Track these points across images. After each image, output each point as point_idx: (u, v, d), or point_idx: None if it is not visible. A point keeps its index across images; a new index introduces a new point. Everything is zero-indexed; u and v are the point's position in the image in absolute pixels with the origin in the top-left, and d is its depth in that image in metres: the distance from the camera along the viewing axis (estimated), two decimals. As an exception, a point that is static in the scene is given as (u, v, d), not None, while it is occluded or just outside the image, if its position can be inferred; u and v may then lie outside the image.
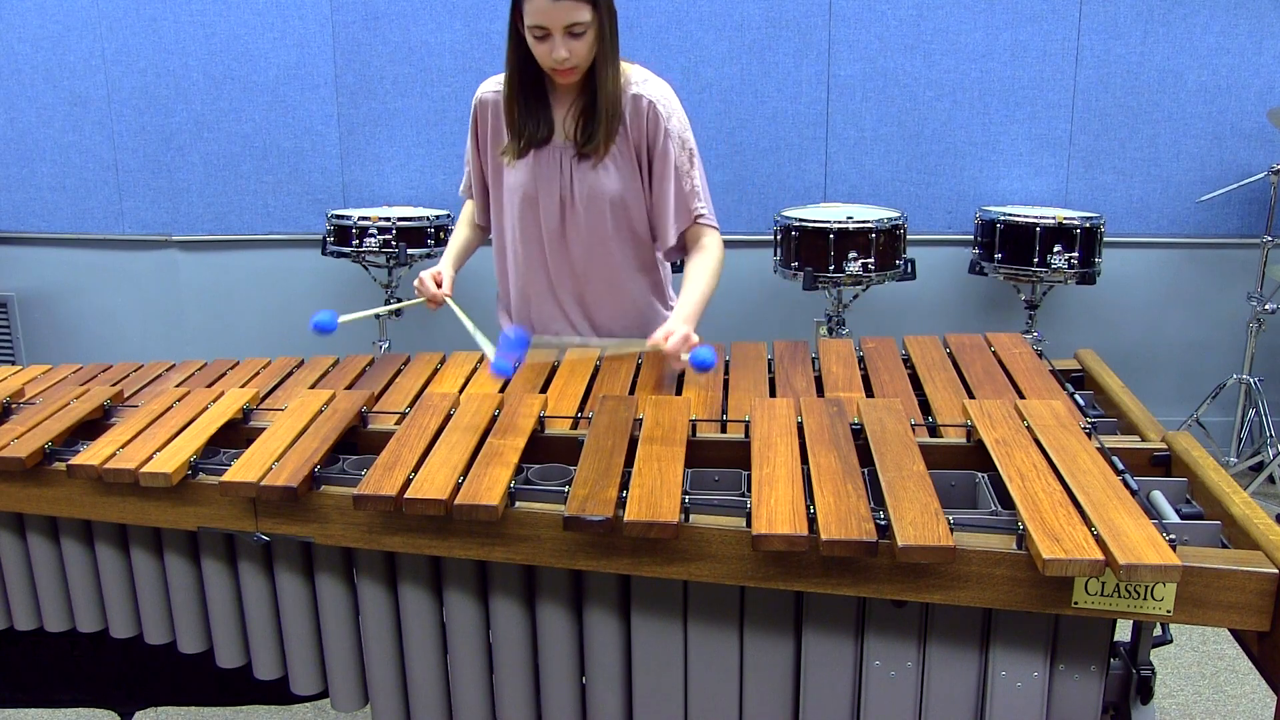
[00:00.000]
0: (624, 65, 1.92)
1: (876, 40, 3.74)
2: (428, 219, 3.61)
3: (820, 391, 1.73)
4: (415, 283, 2.01)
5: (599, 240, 1.99)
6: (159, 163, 3.96)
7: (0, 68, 3.91)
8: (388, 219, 3.54)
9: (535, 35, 1.80)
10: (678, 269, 2.08)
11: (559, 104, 1.95)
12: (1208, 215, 3.82)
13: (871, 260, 3.35)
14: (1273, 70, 3.69)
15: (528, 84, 1.91)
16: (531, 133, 1.93)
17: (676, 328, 1.74)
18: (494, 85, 1.99)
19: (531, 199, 1.97)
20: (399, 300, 3.74)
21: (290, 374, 1.96)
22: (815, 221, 3.36)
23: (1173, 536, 1.15)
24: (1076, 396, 1.66)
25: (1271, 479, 3.59)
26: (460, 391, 1.78)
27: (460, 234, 2.17)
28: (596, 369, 1.87)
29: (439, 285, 2.01)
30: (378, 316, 3.75)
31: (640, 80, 1.93)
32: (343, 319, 1.84)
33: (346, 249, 3.57)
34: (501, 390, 1.78)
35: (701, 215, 1.95)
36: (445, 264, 2.07)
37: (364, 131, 3.90)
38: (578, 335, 2.08)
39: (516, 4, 1.80)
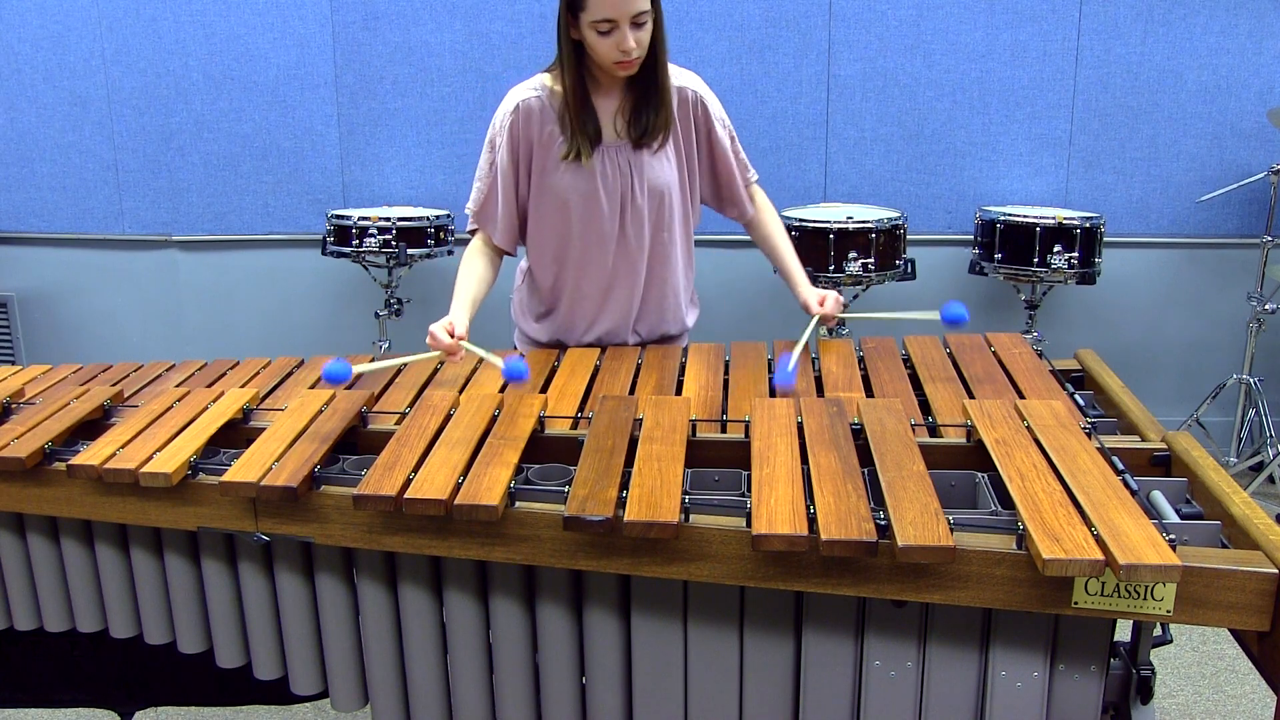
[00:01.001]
0: None
1: (876, 40, 3.74)
2: (428, 219, 3.61)
3: (820, 391, 1.74)
4: (427, 339, 1.83)
5: (659, 233, 2.03)
6: (159, 163, 3.96)
7: (0, 68, 3.91)
8: (388, 219, 3.54)
9: (600, 30, 1.80)
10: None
11: (603, 104, 1.95)
12: (1208, 215, 3.82)
13: (871, 260, 3.35)
14: (1273, 70, 3.69)
15: (582, 86, 1.92)
16: (593, 131, 1.92)
17: (817, 292, 2.07)
18: (529, 90, 1.95)
19: (594, 199, 1.96)
20: (400, 302, 3.74)
21: (290, 374, 1.96)
22: (815, 221, 3.36)
23: (1173, 536, 1.15)
24: (1076, 396, 1.66)
25: (1271, 479, 3.59)
26: (460, 391, 1.78)
27: (471, 282, 1.99)
28: (596, 369, 1.87)
29: (452, 336, 1.83)
30: (399, 371, 3.74)
31: (674, 73, 1.98)
32: (357, 369, 1.70)
33: (346, 249, 3.57)
34: (502, 390, 1.78)
35: (754, 180, 2.17)
36: (457, 315, 1.90)
37: (364, 131, 3.90)
38: (623, 333, 2.12)
39: (574, 4, 1.81)
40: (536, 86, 1.95)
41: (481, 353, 1.79)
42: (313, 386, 1.87)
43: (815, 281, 3.34)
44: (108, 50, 3.87)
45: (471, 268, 2.01)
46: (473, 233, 2.08)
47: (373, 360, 1.81)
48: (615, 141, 1.95)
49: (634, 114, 1.94)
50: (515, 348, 2.20)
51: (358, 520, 1.44)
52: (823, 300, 2.04)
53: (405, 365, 1.91)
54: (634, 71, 1.88)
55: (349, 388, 1.82)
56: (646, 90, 1.92)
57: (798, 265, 2.15)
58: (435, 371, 1.90)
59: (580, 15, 1.81)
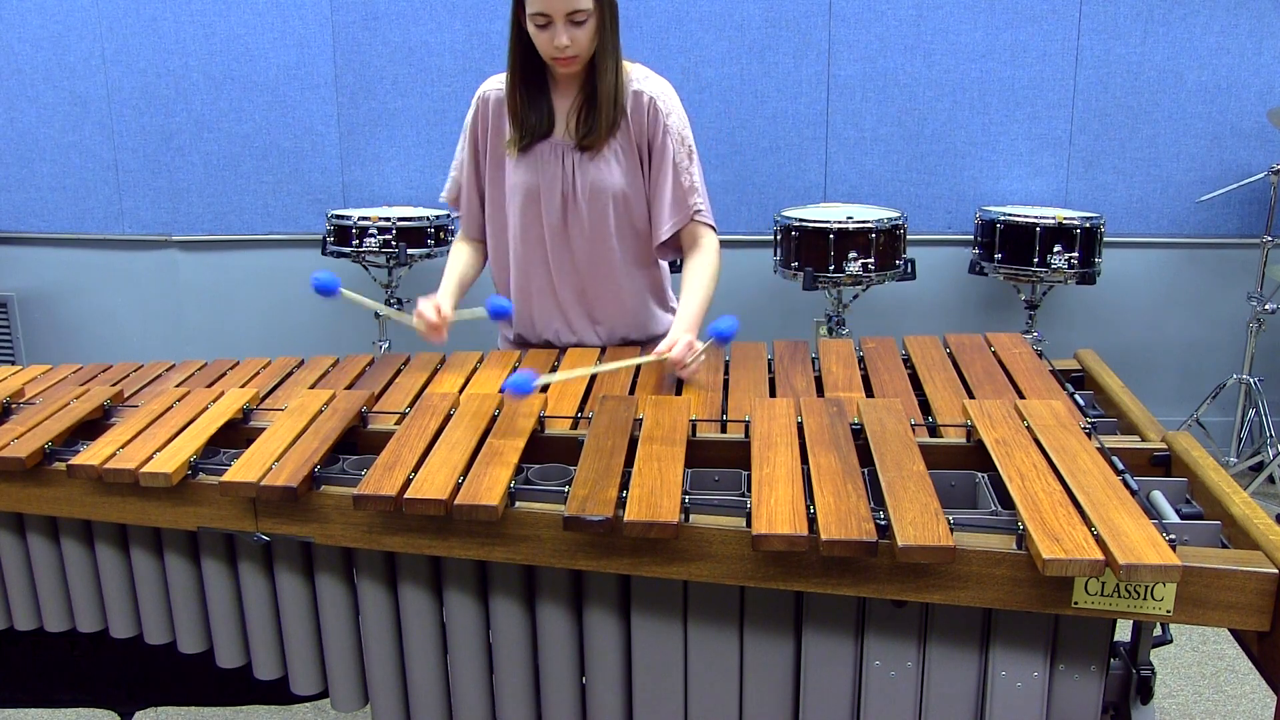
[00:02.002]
0: (625, 63, 1.94)
1: (876, 40, 3.74)
2: (428, 219, 3.61)
3: (820, 391, 1.73)
4: (414, 314, 1.91)
5: (601, 236, 1.99)
6: (159, 163, 3.96)
7: (0, 68, 3.91)
8: (388, 219, 3.54)
9: (537, 24, 1.82)
10: (676, 269, 2.09)
11: (560, 99, 1.96)
12: (1208, 215, 3.82)
13: (871, 260, 3.35)
14: (1273, 70, 3.70)
15: (530, 76, 1.93)
16: (534, 125, 1.93)
17: (679, 337, 1.76)
18: (496, 83, 2.00)
19: (534, 195, 1.97)
20: (400, 302, 3.74)
21: (290, 374, 1.96)
22: (815, 221, 3.36)
23: (1173, 536, 1.15)
24: (1076, 396, 1.66)
25: (1271, 479, 3.59)
26: (460, 391, 1.78)
27: (457, 263, 2.08)
28: (596, 369, 1.87)
29: (438, 314, 1.91)
30: (377, 315, 3.75)
31: (641, 77, 1.95)
32: (345, 293, 1.76)
33: (346, 249, 3.57)
34: (502, 391, 1.78)
35: (699, 212, 1.96)
36: (443, 295, 1.99)
37: (364, 131, 3.90)
38: (574, 336, 2.08)
39: None
40: (501, 80, 1.98)
41: (466, 315, 1.84)
42: (313, 386, 1.87)
43: (815, 282, 3.37)
44: (108, 50, 3.87)
45: (458, 252, 2.12)
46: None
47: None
48: (564, 140, 1.95)
49: (584, 113, 1.93)
50: (499, 348, 2.20)
51: (358, 520, 1.44)
52: (672, 346, 1.74)
53: (384, 312, 1.92)
54: (574, 69, 1.88)
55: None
56: (594, 92, 1.91)
57: (692, 306, 1.90)
58: (435, 372, 1.90)
59: (525, 6, 1.83)
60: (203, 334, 4.13)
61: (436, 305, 1.92)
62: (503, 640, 1.47)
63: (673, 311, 2.14)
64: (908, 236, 3.51)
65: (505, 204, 2.03)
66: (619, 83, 1.91)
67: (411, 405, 1.69)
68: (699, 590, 1.36)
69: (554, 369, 1.88)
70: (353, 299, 1.80)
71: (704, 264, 1.95)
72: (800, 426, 1.49)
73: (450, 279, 2.05)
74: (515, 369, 1.88)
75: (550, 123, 1.95)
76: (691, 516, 1.32)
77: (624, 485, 1.36)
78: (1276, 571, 1.15)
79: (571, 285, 2.04)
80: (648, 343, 2.11)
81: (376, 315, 3.76)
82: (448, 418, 1.60)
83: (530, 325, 2.10)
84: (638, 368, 1.81)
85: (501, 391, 1.61)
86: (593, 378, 1.82)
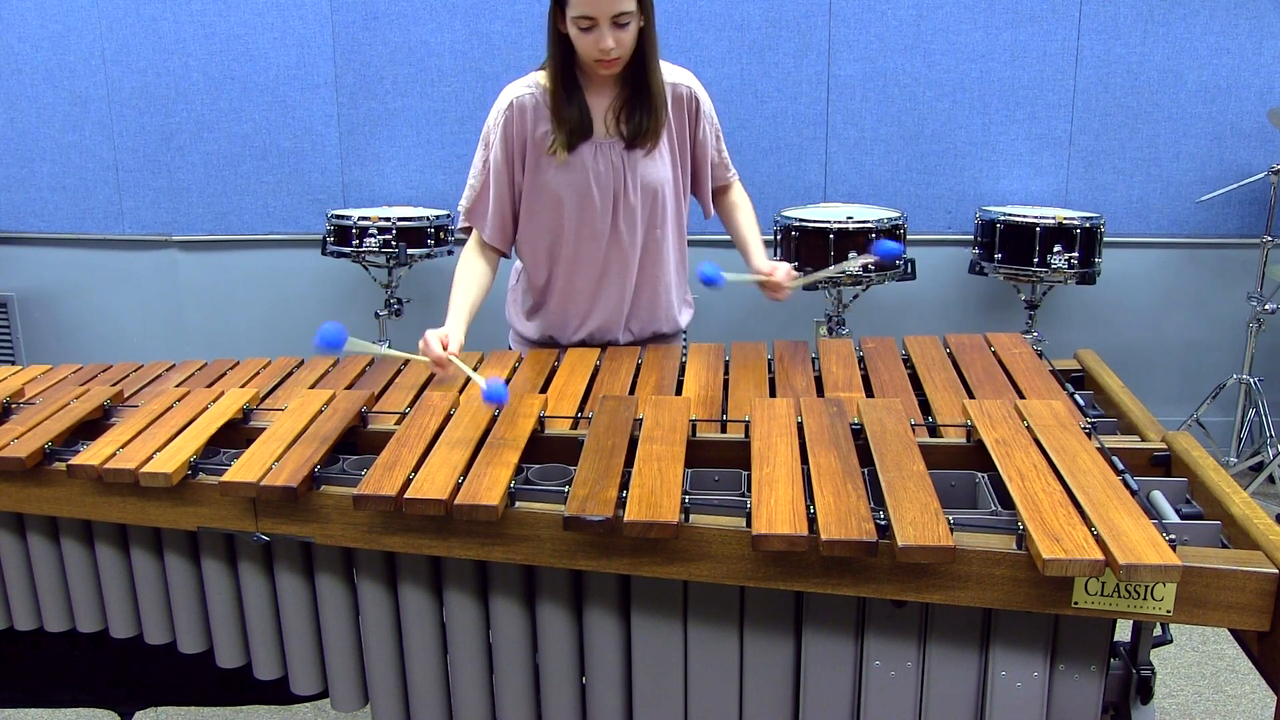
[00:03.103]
0: None
1: (876, 40, 3.74)
2: (428, 219, 3.61)
3: (820, 391, 1.73)
4: (420, 343, 1.84)
5: (651, 230, 2.03)
6: (159, 163, 3.96)
7: (0, 68, 3.91)
8: (388, 219, 3.54)
9: (581, 26, 1.81)
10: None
11: (595, 99, 1.95)
12: (1208, 215, 3.82)
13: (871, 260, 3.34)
14: (1273, 70, 3.69)
15: (569, 80, 1.93)
16: (578, 126, 1.93)
17: (776, 264, 1.99)
18: (523, 88, 1.96)
19: (585, 195, 1.96)
20: (400, 302, 3.74)
21: (290, 374, 1.96)
22: (815, 221, 3.36)
23: (1173, 536, 1.15)
24: (1076, 396, 1.66)
25: (1271, 479, 3.59)
26: (460, 392, 1.78)
27: (468, 287, 1.99)
28: (596, 369, 1.87)
29: (445, 348, 1.82)
30: (380, 308, 3.75)
31: (668, 71, 1.98)
32: (349, 347, 1.69)
33: (346, 249, 3.57)
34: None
35: (732, 173, 2.18)
36: (454, 325, 1.90)
37: (364, 131, 3.90)
38: (609, 335, 2.11)
39: None
40: (530, 84, 1.95)
41: (468, 370, 1.74)
42: (313, 386, 1.87)
43: (815, 283, 3.37)
44: (108, 50, 3.87)
45: (468, 271, 2.01)
46: (466, 232, 2.08)
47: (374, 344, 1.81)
48: (607, 138, 1.95)
49: (626, 114, 1.94)
50: (510, 348, 2.20)
51: (358, 520, 1.44)
52: (774, 270, 1.98)
53: (390, 356, 1.85)
54: (616, 71, 1.89)
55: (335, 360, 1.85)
56: (637, 91, 1.92)
57: (757, 241, 2.13)
58: (431, 377, 1.90)
59: (566, 9, 1.82)
60: (203, 334, 4.12)
61: (444, 340, 1.83)
62: (503, 640, 1.47)
63: (690, 305, 2.23)
64: (908, 236, 3.51)
65: (546, 208, 2.00)
66: (662, 80, 1.95)
67: (411, 405, 1.69)
68: (699, 590, 1.36)
69: (553, 370, 1.88)
70: (359, 348, 1.73)
71: (749, 211, 2.19)
72: (800, 426, 1.49)
73: (462, 304, 1.96)
74: (513, 372, 1.88)
75: (590, 122, 1.95)
76: (691, 516, 1.32)
77: (624, 485, 1.36)
78: (1276, 571, 1.15)
79: (619, 282, 2.05)
80: (673, 336, 2.18)
81: (382, 310, 3.76)
82: (448, 418, 1.60)
83: (565, 324, 2.10)
84: (638, 367, 1.81)
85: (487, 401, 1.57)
86: (592, 379, 1.82)
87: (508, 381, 1.81)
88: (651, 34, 1.89)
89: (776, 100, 3.80)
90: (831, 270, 1.97)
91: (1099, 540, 1.15)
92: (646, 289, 2.09)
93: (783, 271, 1.97)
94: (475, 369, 1.88)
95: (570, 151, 1.94)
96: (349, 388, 1.85)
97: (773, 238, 3.55)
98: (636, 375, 1.83)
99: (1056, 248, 3.39)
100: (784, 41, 3.75)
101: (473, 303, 1.98)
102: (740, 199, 2.20)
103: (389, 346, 1.82)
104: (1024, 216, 3.45)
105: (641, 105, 1.93)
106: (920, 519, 1.21)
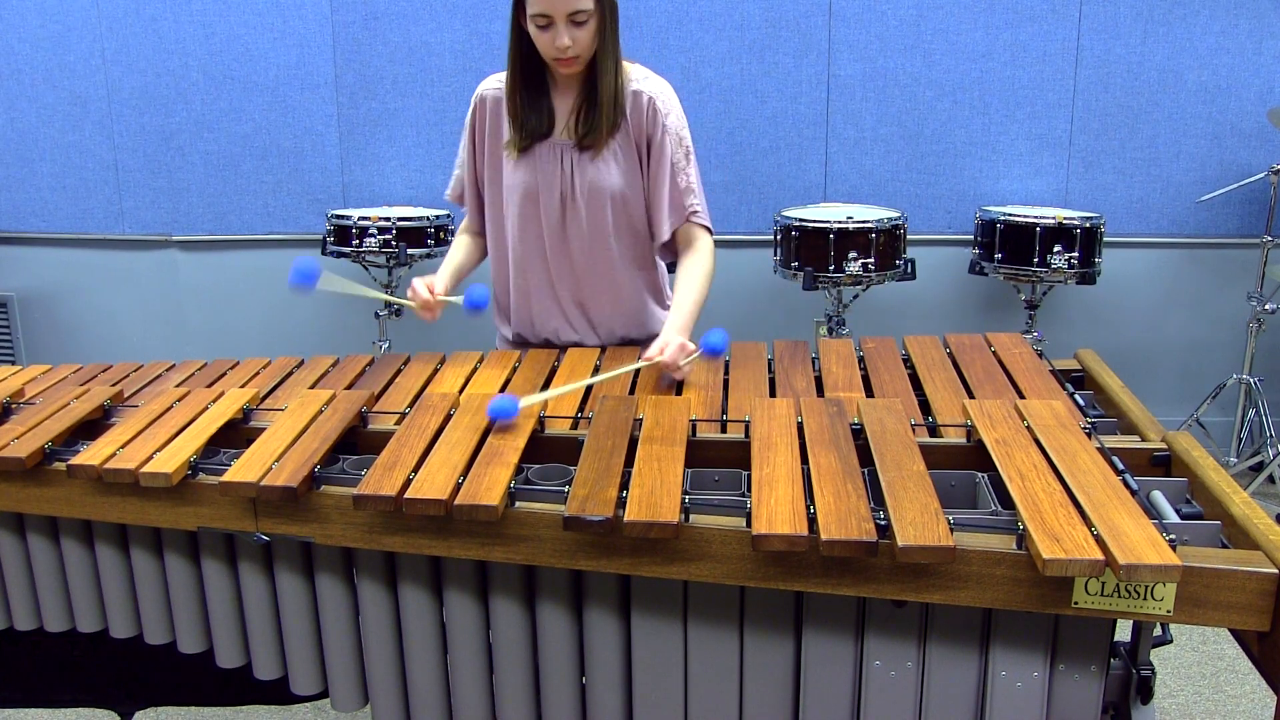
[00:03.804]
0: (625, 63, 1.95)
1: (876, 40, 3.74)
2: (428, 219, 3.61)
3: (820, 391, 1.73)
4: (409, 291, 1.95)
5: (599, 236, 2.00)
6: (159, 163, 3.96)
7: (0, 68, 3.91)
8: (388, 219, 3.54)
9: (538, 24, 1.82)
10: (672, 269, 2.09)
11: (560, 99, 1.96)
12: (1208, 215, 3.82)
13: (871, 260, 3.35)
14: (1273, 70, 3.70)
15: (530, 77, 1.93)
16: (534, 126, 1.94)
17: (670, 339, 1.76)
18: (494, 83, 2.00)
19: (533, 195, 1.98)
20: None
21: (290, 374, 1.96)
22: (815, 221, 3.36)
23: (1173, 536, 1.15)
24: (1076, 396, 1.66)
25: (1271, 479, 3.59)
26: (460, 391, 1.78)
27: (458, 252, 2.12)
28: (596, 369, 1.87)
29: (431, 293, 1.94)
30: (379, 307, 3.75)
31: (640, 77, 1.96)
32: (324, 284, 1.71)
33: (346, 249, 3.57)
34: (502, 390, 1.78)
35: (695, 212, 1.97)
36: (440, 275, 2.02)
37: (364, 131, 3.90)
38: (575, 334, 2.09)
39: None
40: (499, 80, 1.98)
41: (453, 300, 1.86)
42: (313, 386, 1.87)
43: (815, 282, 3.37)
44: (108, 50, 3.87)
45: (459, 242, 2.15)
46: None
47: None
48: (563, 140, 1.95)
49: (584, 113, 1.93)
50: (497, 347, 2.20)
51: (358, 520, 1.44)
52: (664, 349, 1.74)
53: (370, 296, 1.91)
54: (576, 70, 1.89)
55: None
56: (594, 92, 1.91)
57: (684, 308, 1.89)
58: (435, 372, 1.90)
59: (525, 7, 1.83)
60: (203, 334, 4.12)
61: (429, 284, 1.95)
62: (503, 640, 1.47)
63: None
64: (908, 236, 3.51)
65: (503, 203, 2.03)
66: (619, 83, 1.91)
67: (411, 405, 1.69)
68: (699, 590, 1.36)
69: (553, 370, 1.88)
70: (335, 286, 1.74)
71: (698, 265, 1.95)
72: (800, 426, 1.49)
73: (448, 265, 2.08)
74: (513, 372, 1.88)
75: (550, 123, 1.95)
76: (691, 516, 1.32)
77: (624, 485, 1.36)
78: (1276, 571, 1.15)
79: (569, 285, 2.04)
80: (647, 340, 2.09)
81: (382, 310, 3.76)
82: (448, 418, 1.60)
83: (529, 324, 2.10)
84: (637, 371, 1.81)
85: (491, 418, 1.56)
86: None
87: (507, 383, 1.81)
88: (609, 35, 1.87)
89: (776, 100, 3.80)
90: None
91: (1099, 540, 1.15)
92: (603, 294, 2.05)
93: (670, 352, 1.73)
94: (475, 368, 1.89)
95: (522, 152, 1.95)
96: (349, 388, 1.85)
97: (773, 238, 3.55)
98: (636, 376, 1.83)
99: (1056, 248, 3.39)
100: (784, 41, 3.75)
101: (458, 265, 2.09)
102: (696, 252, 1.96)
103: (389, 353, 1.82)
104: (1024, 216, 3.45)
105: (595, 105, 1.91)
106: (920, 519, 1.21)
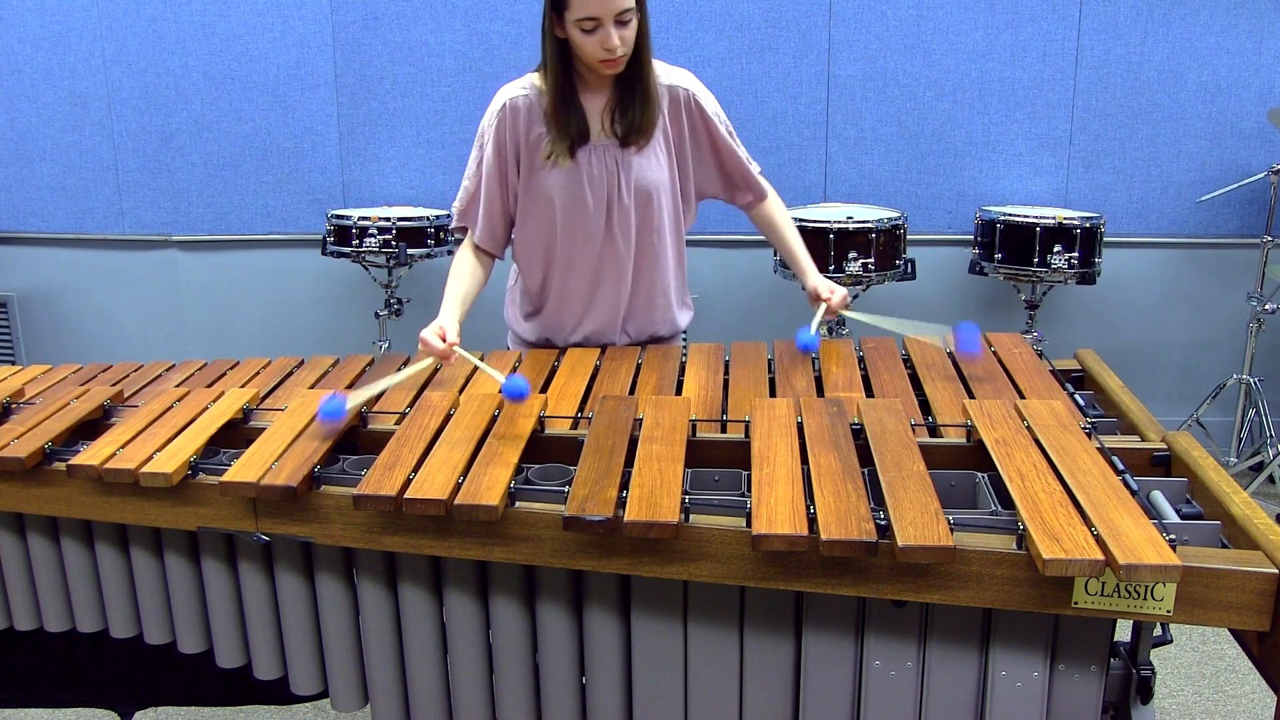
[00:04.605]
0: None
1: (876, 40, 3.74)
2: (428, 219, 3.61)
3: (820, 391, 1.73)
4: (420, 345, 1.83)
5: (647, 232, 2.02)
6: (159, 163, 3.96)
7: (0, 68, 3.91)
8: (388, 219, 3.54)
9: (584, 28, 1.81)
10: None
11: (590, 100, 1.95)
12: (1208, 215, 3.82)
13: (871, 260, 3.35)
14: (1273, 70, 3.69)
15: (568, 87, 1.91)
16: (576, 131, 1.92)
17: (823, 282, 2.07)
18: (518, 90, 1.95)
19: (579, 198, 1.96)
20: (399, 302, 3.74)
21: (290, 374, 1.96)
22: (815, 221, 3.36)
23: (1173, 536, 1.15)
24: (1076, 396, 1.66)
25: (1271, 479, 3.59)
26: (460, 391, 1.78)
27: (460, 282, 1.99)
28: (596, 369, 1.87)
29: (444, 341, 1.82)
30: (379, 308, 3.75)
31: (665, 72, 1.97)
32: (350, 404, 1.62)
33: (346, 249, 3.57)
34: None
35: (760, 171, 2.14)
36: (448, 318, 1.90)
37: (364, 131, 3.90)
38: (606, 337, 2.10)
39: (558, 3, 1.81)
40: (525, 86, 1.95)
41: (476, 361, 1.77)
42: (313, 386, 1.87)
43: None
44: (108, 50, 3.87)
45: (461, 268, 2.02)
46: (462, 231, 2.08)
47: (370, 381, 1.76)
48: (603, 140, 1.95)
49: (620, 112, 1.93)
50: (509, 348, 2.20)
51: (358, 520, 1.44)
52: (832, 291, 2.04)
53: (396, 383, 1.81)
54: (619, 69, 1.88)
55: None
56: (632, 88, 1.92)
57: (806, 255, 2.15)
58: (435, 371, 1.90)
59: (565, 13, 1.81)
60: (203, 334, 4.12)
61: (441, 332, 1.83)
62: (503, 640, 1.47)
63: (689, 308, 2.21)
64: (908, 236, 3.51)
65: (540, 210, 1.99)
66: (656, 77, 1.94)
67: (411, 405, 1.69)
68: (699, 590, 1.36)
69: (554, 369, 1.88)
70: (361, 399, 1.68)
71: (786, 214, 2.20)
72: (800, 426, 1.49)
73: (455, 297, 1.96)
74: (513, 372, 1.88)
75: (587, 127, 1.94)
76: (691, 516, 1.32)
77: (624, 485, 1.36)
78: (1276, 571, 1.15)
79: (615, 285, 2.04)
80: (671, 339, 2.16)
81: (382, 310, 3.76)
82: (448, 418, 1.60)
83: (560, 329, 2.10)
84: (638, 367, 1.81)
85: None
86: (592, 379, 1.82)
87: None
88: (647, 30, 1.88)
89: (776, 100, 3.80)
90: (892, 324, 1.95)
91: (1099, 540, 1.15)
92: (643, 292, 2.08)
93: (839, 297, 2.04)
94: (477, 367, 1.88)
95: (571, 156, 1.93)
96: (349, 388, 1.85)
97: (773, 238, 3.55)
98: (636, 375, 1.83)
99: (1056, 248, 3.39)
100: (784, 41, 3.75)
101: (465, 296, 1.98)
102: (775, 199, 2.19)
103: (387, 354, 1.80)
104: (1024, 216, 3.45)
105: (634, 101, 1.92)
106: (920, 519, 1.21)
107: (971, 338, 1.80)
